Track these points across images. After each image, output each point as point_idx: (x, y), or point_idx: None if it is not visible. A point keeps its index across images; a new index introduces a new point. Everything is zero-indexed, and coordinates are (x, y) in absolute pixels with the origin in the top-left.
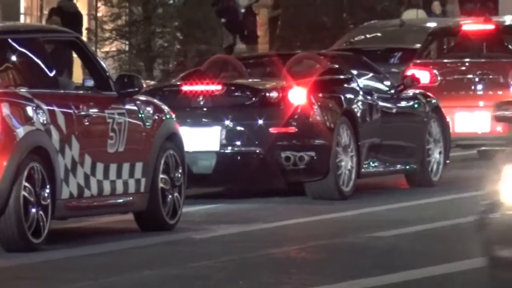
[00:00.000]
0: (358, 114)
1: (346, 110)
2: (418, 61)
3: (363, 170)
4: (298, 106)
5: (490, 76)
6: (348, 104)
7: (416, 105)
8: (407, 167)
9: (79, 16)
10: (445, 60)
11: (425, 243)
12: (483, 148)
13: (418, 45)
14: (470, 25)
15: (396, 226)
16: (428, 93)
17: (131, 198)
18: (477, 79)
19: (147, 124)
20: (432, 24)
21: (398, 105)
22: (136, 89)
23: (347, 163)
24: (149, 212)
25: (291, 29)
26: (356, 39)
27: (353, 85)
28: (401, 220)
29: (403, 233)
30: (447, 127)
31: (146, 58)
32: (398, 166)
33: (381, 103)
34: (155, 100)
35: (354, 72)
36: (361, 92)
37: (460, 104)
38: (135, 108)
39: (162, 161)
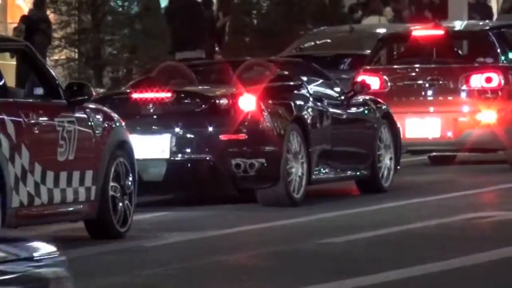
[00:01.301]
0: (308, 121)
1: (296, 117)
2: (368, 67)
3: (313, 176)
4: (248, 113)
5: (440, 82)
6: (298, 110)
7: (366, 111)
8: (358, 173)
9: (48, 23)
10: (395, 66)
11: (376, 249)
12: (434, 153)
13: (368, 51)
14: (420, 31)
15: (347, 232)
16: (379, 99)
17: (81, 206)
18: (427, 85)
19: (97, 132)
20: (382, 30)
21: (349, 111)
22: (86, 97)
23: (297, 169)
24: (100, 220)
25: (240, 36)
26: (306, 45)
27: (303, 91)
28: (352, 226)
29: (354, 239)
30: (397, 133)
31: (96, 66)
32: (349, 172)
33: (331, 110)
34: (105, 108)
35: (304, 78)
36: (311, 99)
37: (410, 110)
38: (84, 116)
39: (112, 169)
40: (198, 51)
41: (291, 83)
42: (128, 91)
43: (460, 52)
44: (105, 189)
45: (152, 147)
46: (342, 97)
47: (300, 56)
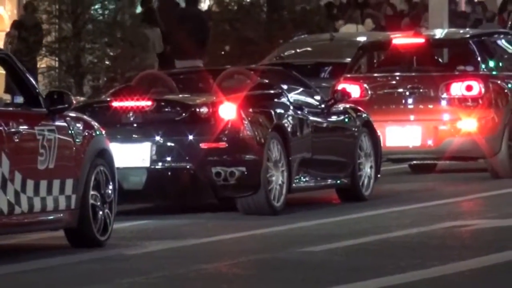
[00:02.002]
0: (289, 129)
1: (276, 125)
2: (349, 75)
3: (294, 185)
4: (229, 122)
5: (421, 90)
6: (278, 119)
7: (346, 120)
8: (338, 181)
9: (39, 29)
10: (376, 74)
11: (356, 257)
12: (414, 162)
13: (348, 59)
14: (400, 39)
15: (327, 240)
16: (359, 108)
17: (61, 214)
18: (407, 93)
19: (77, 140)
20: (362, 38)
21: (329, 119)
22: (66, 105)
23: (278, 178)
24: (80, 229)
25: (221, 44)
26: (286, 53)
27: (283, 100)
28: (333, 235)
29: (334, 248)
30: (378, 142)
31: (76, 75)
32: (329, 181)
33: (311, 118)
34: (85, 117)
35: (285, 86)
36: (291, 107)
37: (391, 118)
38: (65, 124)
39: (93, 178)
40: (197, 60)
41: (272, 92)
42: (108, 99)
43: (440, 60)
44: (85, 197)
45: (132, 155)
46: (323, 106)
47: (281, 64)
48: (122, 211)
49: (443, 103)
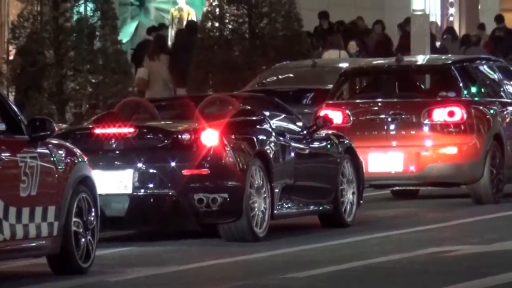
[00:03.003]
0: (271, 155)
1: (258, 152)
2: (331, 102)
3: (276, 211)
4: (211, 148)
5: (403, 116)
6: (260, 145)
7: (328, 146)
8: (321, 207)
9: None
10: (358, 100)
11: (339, 283)
12: (397, 188)
13: (330, 86)
14: (382, 65)
15: (309, 267)
16: (341, 134)
17: (44, 241)
18: (389, 119)
19: (60, 167)
20: (344, 64)
21: (311, 146)
22: (48, 132)
23: (260, 204)
24: (62, 256)
25: (203, 70)
26: (268, 80)
27: (266, 126)
28: (315, 261)
29: (317, 274)
30: (360, 168)
31: (58, 102)
32: (312, 207)
33: (293, 144)
34: (67, 144)
35: (267, 113)
36: (273, 133)
37: (373, 144)
38: (47, 151)
39: (75, 205)
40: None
41: (254, 118)
42: (90, 126)
43: (422, 86)
44: (67, 224)
45: (114, 182)
46: (305, 132)
47: (263, 90)
48: (105, 238)
49: (425, 129)
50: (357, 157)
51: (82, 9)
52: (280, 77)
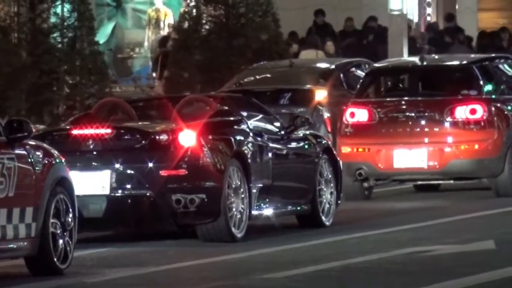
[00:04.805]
0: (249, 156)
1: (236, 152)
2: (358, 100)
3: (254, 212)
4: (188, 149)
5: (426, 114)
6: (238, 145)
7: (306, 146)
8: (299, 208)
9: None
10: (383, 99)
11: (317, 284)
12: (419, 182)
13: (308, 86)
14: (407, 65)
15: (287, 267)
16: (318, 134)
17: (21, 243)
18: (414, 117)
19: (37, 168)
20: (322, 65)
21: (289, 146)
22: (26, 133)
23: (238, 205)
24: (40, 257)
25: (180, 71)
26: (245, 80)
27: (243, 126)
28: (293, 262)
29: (295, 274)
30: (338, 168)
31: (35, 103)
32: (289, 207)
33: (271, 144)
34: (45, 145)
35: (244, 113)
36: (251, 134)
37: (398, 141)
38: (24, 153)
39: (53, 206)
40: None
41: (231, 119)
42: (68, 127)
43: (445, 85)
44: (45, 225)
45: (92, 183)
46: (282, 132)
47: (240, 91)
48: (83, 239)
49: (448, 126)
50: (335, 157)
51: (59, 10)
52: (257, 77)
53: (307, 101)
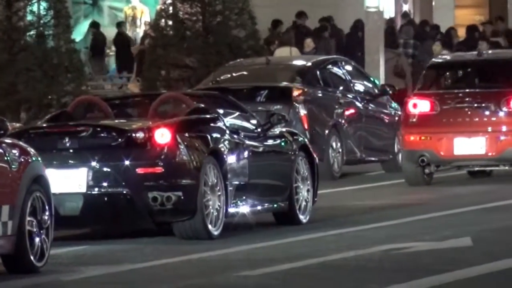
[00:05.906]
0: (225, 153)
1: (212, 150)
2: (420, 92)
3: (231, 209)
4: (165, 146)
5: (484, 105)
6: (214, 143)
7: (283, 143)
8: (275, 205)
9: None
10: (444, 91)
11: (293, 281)
12: (477, 168)
13: (284, 83)
14: (465, 59)
15: (263, 265)
16: (295, 131)
17: None
18: (472, 107)
19: (13, 166)
20: (299, 62)
21: (265, 143)
22: (2, 132)
23: (214, 202)
24: (17, 255)
25: (156, 69)
26: (222, 78)
27: (220, 124)
28: (269, 259)
29: (271, 272)
30: (314, 165)
31: (11, 101)
32: (266, 205)
33: (248, 142)
34: (21, 143)
35: (221, 111)
36: (227, 131)
37: (458, 130)
38: (0, 151)
39: (29, 204)
40: None
41: (208, 116)
42: (44, 125)
43: (501, 77)
44: (21, 223)
45: (68, 181)
46: (259, 130)
47: (216, 88)
48: (59, 237)
49: (504, 116)
50: (311, 155)
51: (35, 8)
52: (234, 74)
53: (283, 99)
